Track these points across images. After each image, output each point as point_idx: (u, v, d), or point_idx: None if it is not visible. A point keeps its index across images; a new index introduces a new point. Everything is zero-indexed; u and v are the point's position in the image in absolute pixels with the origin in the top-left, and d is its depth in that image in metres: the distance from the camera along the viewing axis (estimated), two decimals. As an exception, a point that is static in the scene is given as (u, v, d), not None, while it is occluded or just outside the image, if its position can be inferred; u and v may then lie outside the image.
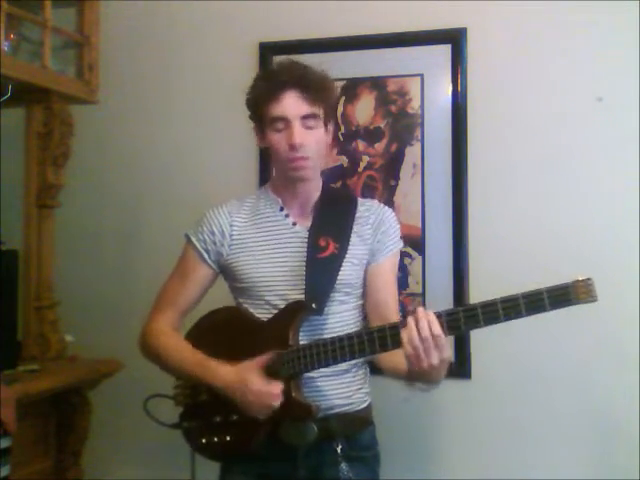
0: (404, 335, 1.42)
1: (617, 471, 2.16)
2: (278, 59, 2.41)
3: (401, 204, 2.37)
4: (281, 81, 1.61)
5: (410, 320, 1.42)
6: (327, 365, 1.55)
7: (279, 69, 1.66)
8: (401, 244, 1.74)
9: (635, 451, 2.14)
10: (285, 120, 1.60)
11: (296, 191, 1.69)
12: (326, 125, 1.68)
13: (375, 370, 1.79)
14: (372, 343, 1.49)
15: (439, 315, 1.42)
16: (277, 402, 1.53)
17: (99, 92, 2.40)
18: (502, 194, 2.31)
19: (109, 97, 2.49)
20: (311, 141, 1.62)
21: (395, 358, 1.53)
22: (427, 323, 1.40)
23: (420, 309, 1.43)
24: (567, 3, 2.25)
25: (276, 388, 1.53)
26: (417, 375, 1.47)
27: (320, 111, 1.64)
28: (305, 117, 1.61)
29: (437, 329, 1.40)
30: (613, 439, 2.20)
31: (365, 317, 1.73)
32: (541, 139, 2.28)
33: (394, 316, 1.68)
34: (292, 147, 1.60)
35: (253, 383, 1.53)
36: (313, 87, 1.62)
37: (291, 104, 1.60)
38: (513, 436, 2.27)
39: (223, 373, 1.58)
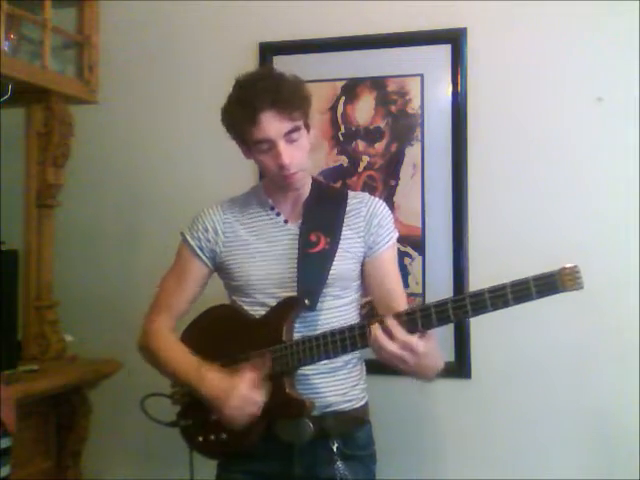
0: (372, 343, 1.42)
1: (617, 471, 2.16)
2: (278, 59, 2.43)
3: (401, 204, 2.37)
4: (256, 104, 1.54)
5: (373, 328, 1.42)
6: (320, 360, 1.55)
7: (250, 90, 1.57)
8: (397, 234, 1.73)
9: (635, 451, 2.14)
10: (269, 141, 1.57)
11: (287, 195, 1.70)
12: (307, 128, 1.65)
13: (372, 368, 1.79)
14: (364, 338, 1.48)
15: (398, 316, 1.42)
16: (256, 409, 1.54)
17: (99, 92, 2.41)
18: (502, 194, 2.31)
19: (109, 97, 2.49)
20: (298, 155, 1.60)
21: None
22: (386, 332, 1.40)
23: (375, 324, 1.42)
24: (567, 3, 2.25)
25: (258, 396, 1.54)
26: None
27: (300, 120, 1.60)
28: (288, 133, 1.57)
29: (399, 333, 1.39)
30: (613, 439, 2.20)
31: (369, 310, 1.74)
32: (541, 139, 2.28)
33: (402, 304, 1.66)
34: (282, 167, 1.58)
35: (240, 388, 1.53)
36: (289, 101, 1.56)
37: (271, 125, 1.55)
38: (513, 436, 2.27)
39: (210, 377, 1.58)
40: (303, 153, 1.62)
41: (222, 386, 1.55)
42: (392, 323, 1.41)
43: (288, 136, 1.58)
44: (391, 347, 1.39)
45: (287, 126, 1.57)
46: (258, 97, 1.55)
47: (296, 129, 1.59)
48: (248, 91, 1.58)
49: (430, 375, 1.55)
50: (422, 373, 1.52)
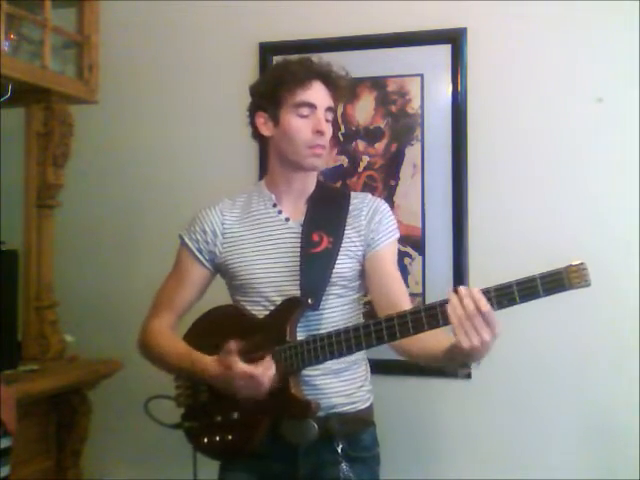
0: (451, 312, 1.35)
1: (617, 471, 2.16)
2: (278, 59, 2.43)
3: (401, 204, 2.37)
4: (312, 70, 1.66)
5: (453, 297, 1.36)
6: (325, 360, 1.54)
7: (308, 60, 1.69)
8: (397, 234, 1.73)
9: (635, 451, 2.14)
10: (312, 107, 1.64)
11: (292, 184, 1.70)
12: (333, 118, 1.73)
13: (375, 369, 1.79)
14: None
15: (487, 291, 1.36)
16: (266, 381, 1.50)
17: (99, 92, 2.40)
18: (502, 194, 2.31)
19: (109, 97, 2.49)
20: (329, 133, 1.68)
21: (427, 343, 1.48)
22: (472, 300, 1.34)
23: (462, 287, 1.37)
24: (567, 3, 2.25)
25: (259, 369, 1.50)
26: (465, 354, 1.38)
27: (335, 106, 1.71)
28: (327, 109, 1.67)
29: (484, 305, 1.34)
30: (613, 439, 2.20)
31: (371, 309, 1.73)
32: (541, 139, 2.28)
33: (403, 300, 1.65)
34: (319, 133, 1.63)
35: (237, 367, 1.50)
36: (337, 84, 1.69)
37: (319, 93, 1.66)
38: (513, 436, 2.27)
39: (207, 364, 1.57)
40: (329, 135, 1.69)
41: (220, 371, 1.53)
42: (476, 291, 1.35)
43: (326, 113, 1.67)
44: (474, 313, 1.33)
45: (329, 102, 1.68)
46: (315, 66, 1.68)
47: (333, 110, 1.70)
48: (305, 60, 1.69)
49: (476, 359, 1.43)
50: (480, 354, 1.39)
